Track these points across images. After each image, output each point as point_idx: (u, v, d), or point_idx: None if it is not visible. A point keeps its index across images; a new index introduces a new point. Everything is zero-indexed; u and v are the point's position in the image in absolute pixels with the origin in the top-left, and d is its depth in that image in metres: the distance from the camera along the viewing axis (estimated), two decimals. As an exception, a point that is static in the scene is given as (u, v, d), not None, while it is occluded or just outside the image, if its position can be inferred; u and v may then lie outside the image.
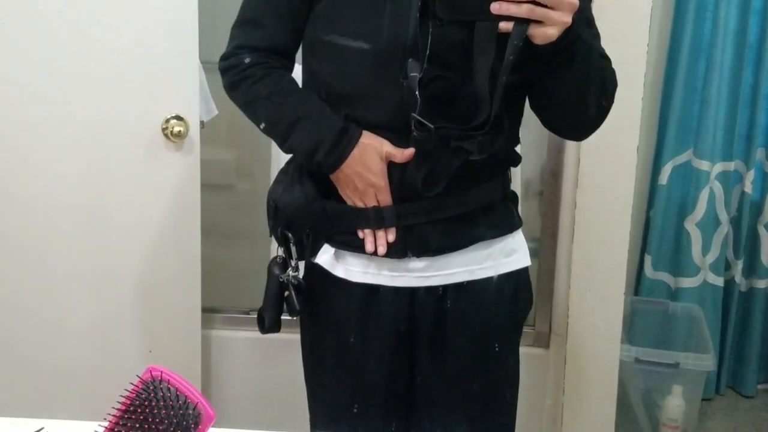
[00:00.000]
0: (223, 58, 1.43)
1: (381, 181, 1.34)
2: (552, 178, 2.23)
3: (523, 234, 1.49)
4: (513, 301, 1.46)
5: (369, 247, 1.37)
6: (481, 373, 1.45)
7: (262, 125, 1.41)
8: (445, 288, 1.41)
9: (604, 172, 2.09)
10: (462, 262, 1.40)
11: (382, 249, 1.37)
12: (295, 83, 1.41)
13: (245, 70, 1.39)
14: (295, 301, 1.43)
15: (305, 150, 1.36)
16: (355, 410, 1.45)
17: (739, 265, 2.88)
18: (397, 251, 1.38)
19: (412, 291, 1.40)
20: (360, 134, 1.33)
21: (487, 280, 1.42)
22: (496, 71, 1.18)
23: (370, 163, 1.33)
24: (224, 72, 1.43)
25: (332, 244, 1.42)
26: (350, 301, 1.41)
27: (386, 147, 1.32)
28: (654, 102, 2.81)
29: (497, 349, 1.46)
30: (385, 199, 1.35)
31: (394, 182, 1.34)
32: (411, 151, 1.30)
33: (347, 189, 1.37)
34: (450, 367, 1.44)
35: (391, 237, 1.37)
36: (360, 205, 1.37)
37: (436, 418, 1.46)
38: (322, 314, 1.46)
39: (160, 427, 0.89)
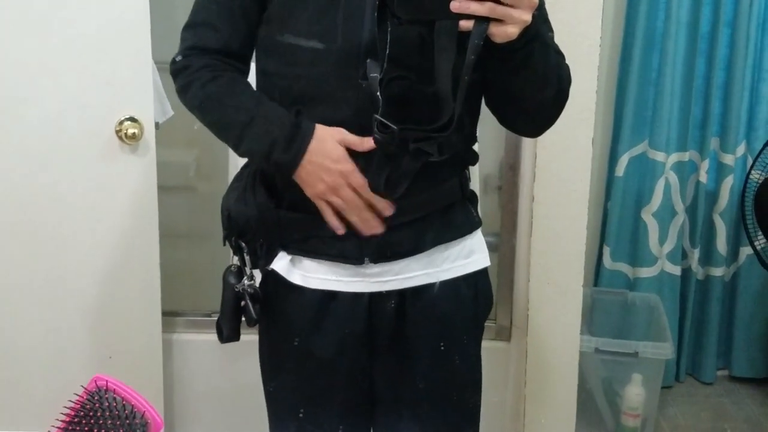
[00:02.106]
0: (174, 61, 1.39)
1: (347, 165, 1.28)
2: (510, 172, 2.24)
3: (481, 233, 1.49)
4: (473, 303, 1.46)
5: (340, 230, 1.32)
6: (442, 375, 1.44)
7: (214, 129, 1.38)
8: (403, 292, 1.40)
9: (561, 165, 2.10)
10: (420, 265, 1.39)
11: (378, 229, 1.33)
12: (248, 85, 1.38)
13: (195, 72, 1.35)
14: (252, 310, 1.40)
15: (260, 152, 1.31)
16: (311, 414, 1.44)
17: (695, 254, 2.92)
18: (353, 257, 1.36)
19: (370, 296, 1.39)
20: (314, 127, 1.29)
21: (446, 283, 1.41)
22: (457, 71, 1.17)
23: (330, 151, 1.28)
24: (175, 75, 1.39)
25: (288, 251, 1.40)
26: (306, 306, 1.39)
27: (344, 134, 1.29)
28: (609, 94, 2.84)
29: (458, 350, 1.45)
30: (358, 181, 1.28)
31: None
32: (370, 140, 1.25)
33: (316, 186, 1.30)
34: (410, 370, 1.43)
35: (389, 211, 1.31)
36: (337, 202, 1.30)
37: (398, 421, 1.46)
38: (279, 320, 1.44)
39: None
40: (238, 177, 1.46)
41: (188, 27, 1.40)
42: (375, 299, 1.40)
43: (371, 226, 1.32)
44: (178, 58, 1.39)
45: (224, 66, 1.37)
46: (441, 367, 1.44)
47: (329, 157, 1.28)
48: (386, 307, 1.40)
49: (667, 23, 2.70)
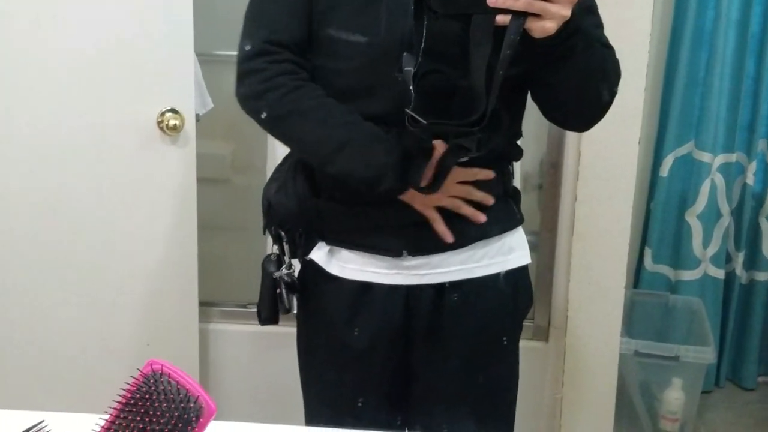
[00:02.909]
0: (246, 54, 1.31)
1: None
2: (552, 171, 2.21)
3: (523, 231, 1.47)
4: (512, 300, 1.45)
5: (448, 237, 1.34)
6: (478, 370, 1.44)
7: (297, 144, 1.34)
8: (442, 286, 1.39)
9: (605, 164, 2.07)
10: (459, 260, 1.38)
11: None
12: (331, 98, 1.31)
13: (273, 79, 1.29)
14: (286, 299, 1.42)
15: (363, 177, 1.27)
16: (347, 406, 1.44)
17: (740, 258, 2.87)
18: (391, 249, 1.36)
19: (408, 288, 1.39)
20: (430, 150, 1.27)
21: (485, 279, 1.40)
22: (493, 66, 1.15)
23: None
24: (245, 76, 1.32)
25: (327, 242, 1.41)
26: (343, 296, 1.40)
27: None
28: (655, 93, 2.79)
29: (495, 346, 1.45)
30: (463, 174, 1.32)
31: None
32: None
33: (426, 200, 1.32)
34: (447, 364, 1.43)
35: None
36: (449, 203, 1.33)
37: (433, 415, 1.46)
38: (317, 310, 1.45)
39: (161, 420, 0.89)
40: (279, 168, 1.47)
41: (254, 18, 1.34)
42: (412, 292, 1.39)
43: (479, 215, 1.35)
44: (248, 47, 1.32)
45: (300, 71, 1.31)
46: (477, 362, 1.44)
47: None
48: (423, 301, 1.40)
49: (717, 22, 2.65)
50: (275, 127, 1.33)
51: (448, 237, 1.34)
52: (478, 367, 1.44)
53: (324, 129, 1.29)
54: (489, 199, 1.36)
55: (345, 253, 1.39)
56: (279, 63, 1.30)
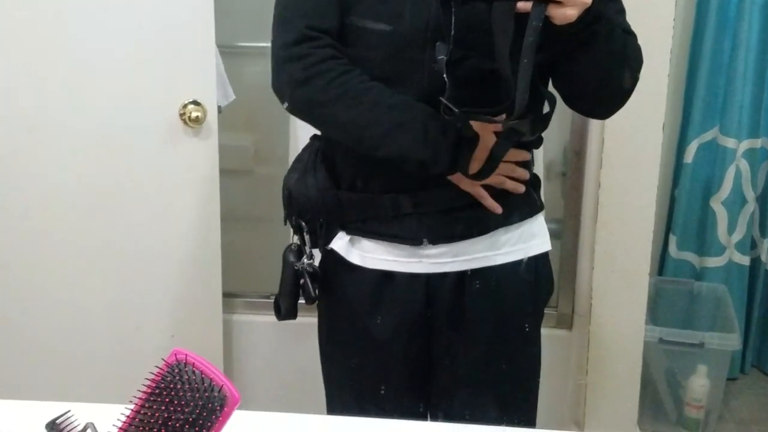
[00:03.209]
0: (284, 46, 1.29)
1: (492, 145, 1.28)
2: (575, 158, 2.20)
3: (543, 218, 1.47)
4: (532, 287, 1.44)
5: (498, 209, 1.36)
6: (500, 358, 1.44)
7: (345, 129, 1.30)
8: (463, 274, 1.39)
9: (629, 151, 2.06)
10: (479, 248, 1.38)
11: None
12: (379, 83, 1.29)
13: (318, 64, 1.27)
14: (311, 288, 1.43)
15: (418, 158, 1.27)
16: (369, 394, 1.45)
17: (765, 244, 2.85)
18: (411, 237, 1.36)
19: (429, 277, 1.39)
20: (476, 137, 1.28)
21: (505, 266, 1.40)
22: (518, 53, 1.15)
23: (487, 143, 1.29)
24: (286, 62, 1.29)
25: (347, 231, 1.41)
26: (364, 286, 1.40)
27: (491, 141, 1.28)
28: (679, 79, 2.77)
29: (517, 333, 1.45)
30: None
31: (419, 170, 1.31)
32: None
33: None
34: (469, 351, 1.43)
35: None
36: (496, 181, 1.34)
37: (455, 402, 1.46)
38: (338, 300, 1.45)
39: (186, 410, 0.89)
40: (299, 158, 1.47)
41: (290, 6, 1.32)
42: (433, 281, 1.39)
43: (520, 187, 1.38)
44: (288, 34, 1.29)
45: (342, 57, 1.29)
46: (499, 349, 1.44)
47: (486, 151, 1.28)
48: (444, 289, 1.40)
49: (741, 6, 2.62)
50: (322, 113, 1.30)
51: (498, 209, 1.36)
52: (500, 354, 1.44)
53: (377, 110, 1.27)
54: (526, 174, 1.38)
55: (365, 243, 1.40)
56: (323, 48, 1.28)
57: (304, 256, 1.43)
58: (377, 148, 1.28)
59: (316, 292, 1.45)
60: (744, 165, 2.75)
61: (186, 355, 0.91)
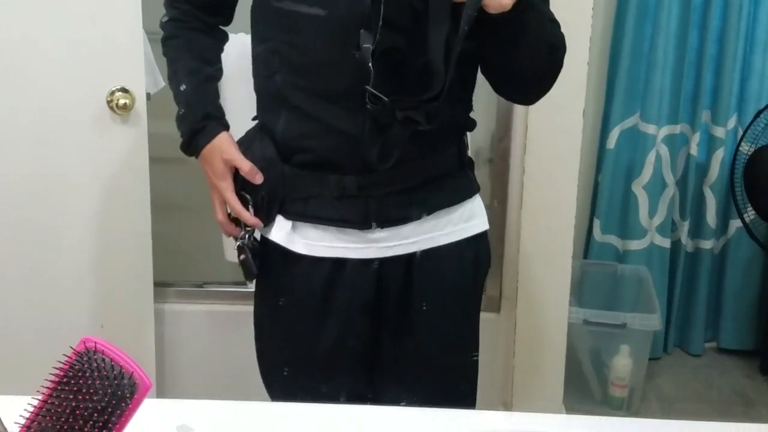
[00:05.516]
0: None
1: (222, 183, 1.42)
2: (500, 145, 2.24)
3: (480, 198, 1.51)
4: (475, 265, 1.48)
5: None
6: (448, 337, 1.48)
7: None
8: (410, 256, 1.42)
9: (551, 137, 2.10)
10: (424, 230, 1.41)
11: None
12: (196, 50, 1.48)
13: (164, 24, 1.49)
14: (252, 264, 1.42)
15: (182, 131, 1.47)
16: (316, 384, 1.45)
17: (685, 227, 2.93)
18: (359, 221, 1.37)
19: (381, 261, 1.40)
20: (215, 134, 1.42)
21: (449, 246, 1.44)
22: (450, 41, 1.17)
23: (213, 164, 1.42)
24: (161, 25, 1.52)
25: (287, 216, 1.40)
26: (315, 275, 1.40)
27: (232, 155, 1.40)
28: (602, 66, 2.83)
29: (460, 311, 1.49)
30: (231, 199, 1.42)
31: (354, 153, 1.32)
32: (259, 175, 1.38)
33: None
34: (414, 331, 1.45)
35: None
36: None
37: (399, 381, 1.48)
38: (280, 291, 1.44)
39: (95, 398, 0.88)
40: (249, 130, 1.47)
41: None
42: (384, 265, 1.41)
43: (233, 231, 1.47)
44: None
45: (190, 21, 1.47)
46: (444, 328, 1.47)
47: (211, 168, 1.43)
48: (396, 273, 1.42)
49: (661, -6, 2.68)
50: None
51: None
52: (446, 333, 1.47)
53: (175, 78, 1.48)
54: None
55: (310, 231, 1.39)
56: (172, 9, 1.49)
57: (244, 231, 1.43)
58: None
59: (256, 269, 1.43)
60: (664, 150, 2.82)
61: (95, 342, 0.89)
